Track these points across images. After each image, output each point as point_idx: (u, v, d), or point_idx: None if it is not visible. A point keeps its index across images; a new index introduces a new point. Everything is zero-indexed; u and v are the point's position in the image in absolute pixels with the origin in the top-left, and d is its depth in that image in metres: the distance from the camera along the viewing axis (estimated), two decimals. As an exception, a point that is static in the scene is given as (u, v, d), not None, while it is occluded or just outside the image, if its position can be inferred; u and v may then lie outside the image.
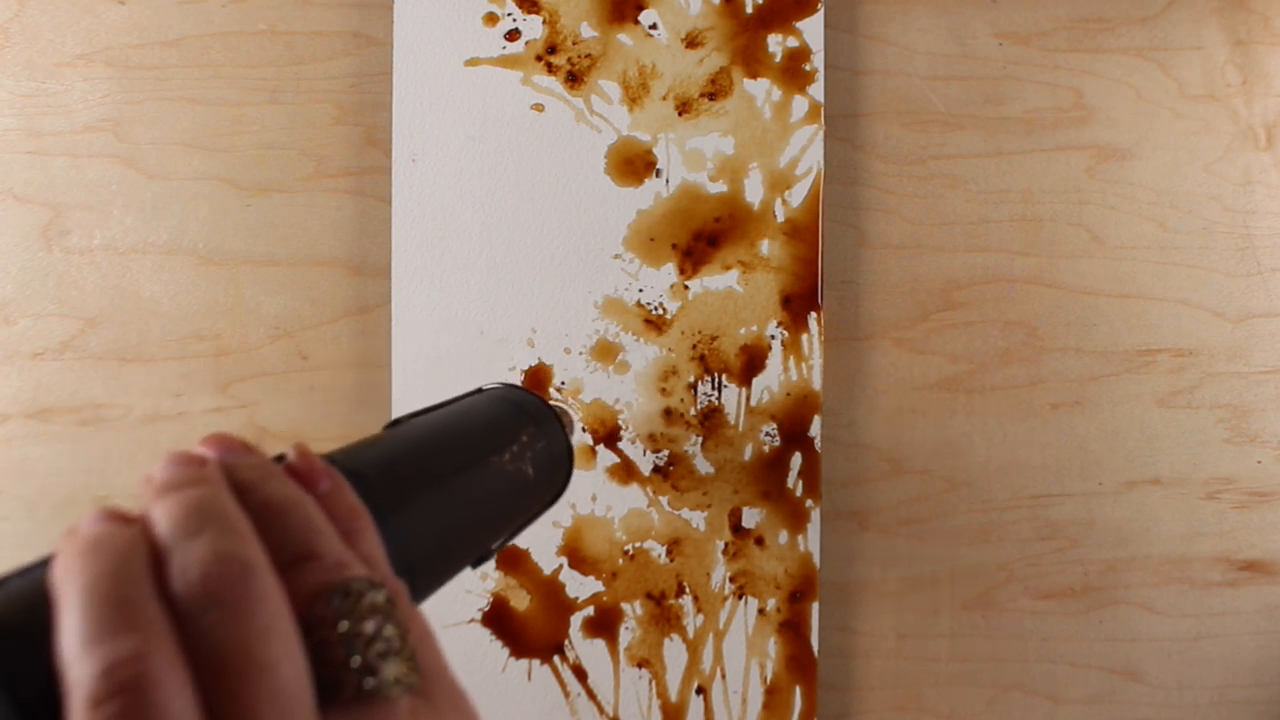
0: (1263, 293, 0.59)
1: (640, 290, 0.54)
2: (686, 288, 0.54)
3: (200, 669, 0.17)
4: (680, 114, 0.54)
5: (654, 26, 0.54)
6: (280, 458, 0.25)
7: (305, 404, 0.55)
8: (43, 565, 0.19)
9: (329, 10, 0.55)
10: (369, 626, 0.20)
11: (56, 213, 0.54)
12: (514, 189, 0.54)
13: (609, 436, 0.54)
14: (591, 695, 0.54)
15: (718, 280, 0.54)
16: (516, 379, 0.54)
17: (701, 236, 0.54)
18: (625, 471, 0.54)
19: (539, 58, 0.54)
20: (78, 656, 0.17)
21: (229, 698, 0.17)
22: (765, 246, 0.54)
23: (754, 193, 0.54)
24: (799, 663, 0.55)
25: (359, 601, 0.20)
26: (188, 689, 0.17)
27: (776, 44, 0.54)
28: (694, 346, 0.54)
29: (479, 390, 0.37)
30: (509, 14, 0.54)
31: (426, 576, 0.27)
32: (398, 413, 0.53)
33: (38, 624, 0.17)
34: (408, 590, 0.23)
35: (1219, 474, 0.59)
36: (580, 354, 0.54)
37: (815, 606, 0.55)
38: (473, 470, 0.30)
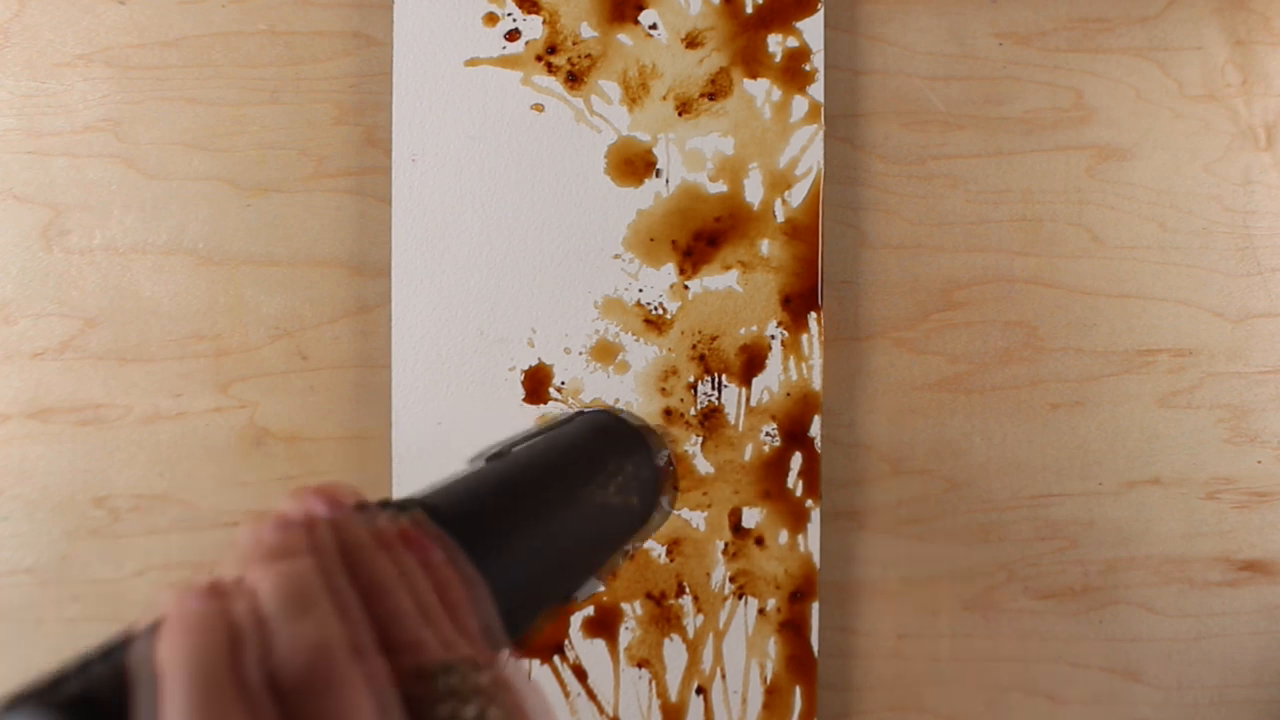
0: (1263, 293, 0.59)
1: (640, 290, 0.54)
2: (686, 288, 0.54)
3: None
4: (680, 114, 0.54)
5: (654, 26, 0.54)
6: (387, 506, 0.24)
7: (305, 404, 0.55)
8: (136, 640, 0.19)
9: (329, 10, 0.55)
10: (470, 711, 0.20)
11: (56, 213, 0.54)
12: (514, 189, 0.54)
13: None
14: (591, 695, 0.54)
15: (718, 280, 0.54)
16: (517, 379, 0.54)
17: (701, 236, 0.54)
18: (625, 471, 0.54)
19: (539, 58, 0.54)
20: None
21: None
22: (765, 246, 0.54)
23: (754, 193, 0.54)
24: (799, 663, 0.55)
25: (462, 683, 0.20)
26: None
27: (776, 44, 0.54)
28: (694, 346, 0.54)
29: (579, 413, 0.36)
30: (509, 14, 0.54)
31: (525, 616, 0.27)
32: (398, 413, 0.53)
33: (140, 701, 0.17)
34: (509, 639, 0.22)
35: (1219, 474, 0.59)
36: (580, 354, 0.54)
37: (815, 606, 0.55)
38: (573, 507, 0.30)
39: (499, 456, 0.31)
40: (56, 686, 0.17)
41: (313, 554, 0.20)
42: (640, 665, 0.55)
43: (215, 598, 0.19)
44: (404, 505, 0.25)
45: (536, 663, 0.54)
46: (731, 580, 0.55)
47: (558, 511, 0.29)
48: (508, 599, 0.24)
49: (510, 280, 0.54)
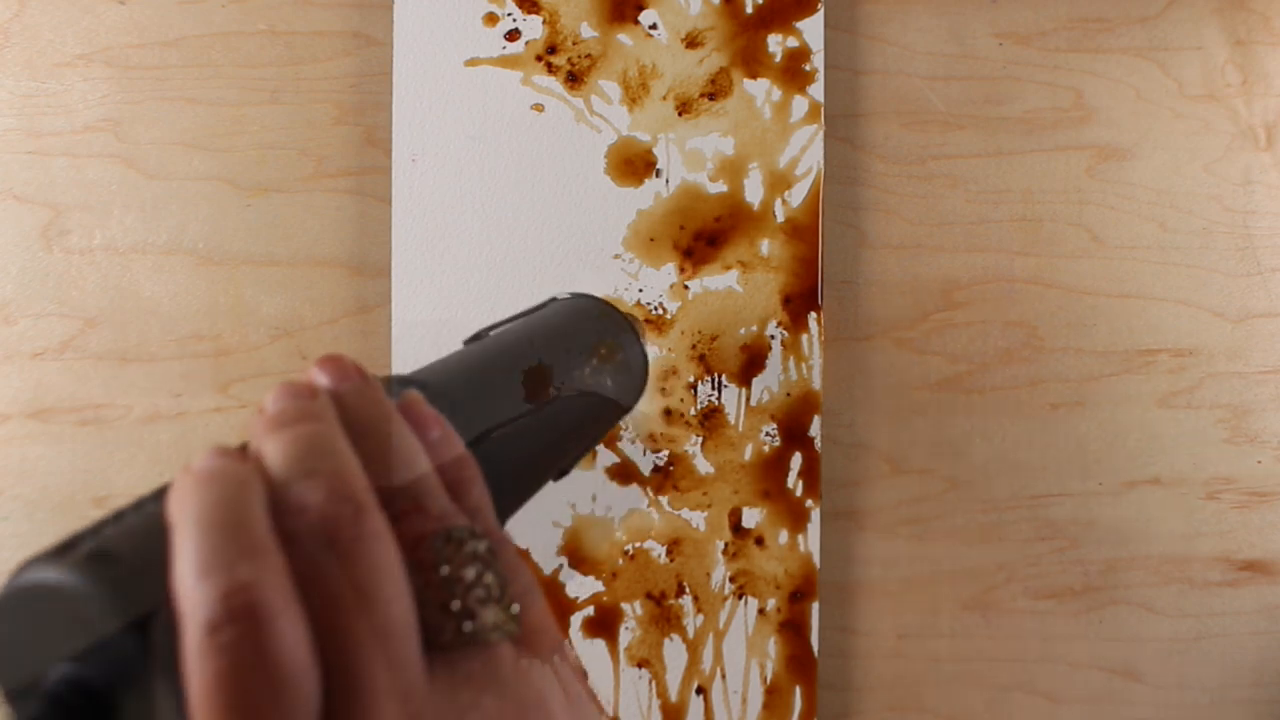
0: (1263, 293, 0.59)
1: (640, 290, 0.54)
2: (686, 288, 0.54)
3: (311, 604, 0.18)
4: (680, 114, 0.54)
5: (654, 26, 0.54)
6: (387, 382, 0.25)
7: (305, 404, 0.55)
8: (156, 499, 0.19)
9: (329, 10, 0.55)
10: (469, 573, 0.20)
11: (56, 213, 0.54)
12: (514, 189, 0.54)
13: (609, 436, 0.54)
14: (591, 695, 0.54)
15: (718, 280, 0.54)
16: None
17: (701, 236, 0.54)
18: (625, 471, 0.54)
19: (539, 58, 0.54)
20: (194, 583, 0.17)
21: (338, 633, 0.18)
22: (765, 246, 0.54)
23: (754, 193, 0.54)
24: (799, 663, 0.55)
25: (460, 548, 0.20)
26: (301, 621, 0.17)
27: (776, 44, 0.54)
28: (694, 346, 0.54)
29: (552, 300, 0.36)
30: (509, 14, 0.54)
31: (514, 496, 0.27)
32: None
33: (154, 553, 0.18)
34: (498, 518, 0.23)
35: (1219, 474, 0.59)
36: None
37: (815, 606, 0.55)
38: (554, 386, 0.30)
39: (477, 339, 0.31)
40: (72, 545, 0.18)
41: (317, 420, 0.20)
42: (640, 665, 0.55)
43: (224, 457, 0.19)
44: (401, 381, 0.26)
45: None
46: (731, 580, 0.55)
47: (507, 373, 0.29)
48: (494, 478, 0.25)
49: (510, 280, 0.54)
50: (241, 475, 0.19)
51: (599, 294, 0.37)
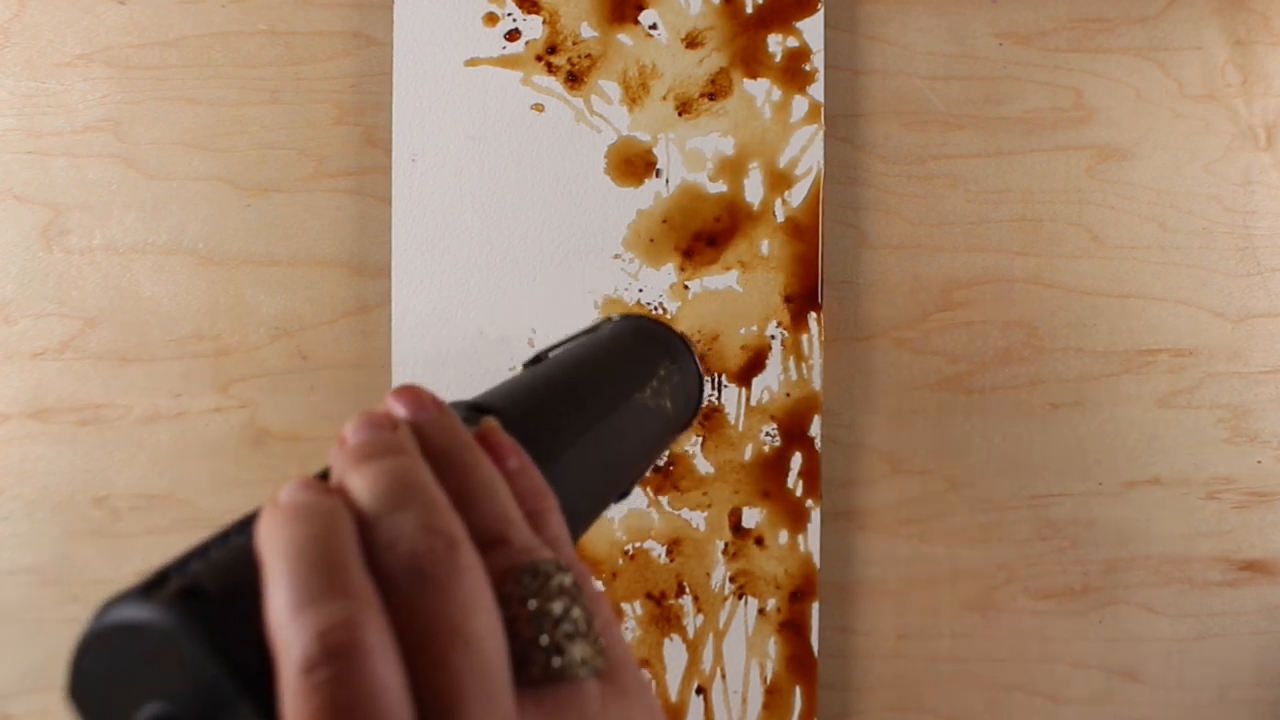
0: (1263, 293, 0.59)
1: (640, 290, 0.54)
2: (686, 288, 0.54)
3: (405, 640, 0.17)
4: (680, 114, 0.54)
5: (654, 26, 0.54)
6: (461, 409, 0.24)
7: (305, 404, 0.55)
8: (242, 531, 0.19)
9: (329, 10, 0.55)
10: (556, 607, 0.20)
11: (56, 213, 0.54)
12: (514, 189, 0.54)
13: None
14: None
15: (718, 280, 0.54)
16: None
17: (701, 236, 0.54)
18: (625, 471, 0.54)
19: (539, 58, 0.54)
20: (288, 621, 0.16)
21: (433, 669, 0.17)
22: (765, 246, 0.54)
23: (754, 193, 0.54)
24: (799, 663, 0.55)
25: (547, 582, 0.20)
26: (397, 658, 0.17)
27: (776, 44, 0.54)
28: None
29: (607, 320, 0.36)
30: (509, 14, 0.54)
31: (581, 520, 0.27)
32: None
33: (244, 589, 0.17)
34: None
35: (1219, 474, 0.59)
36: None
37: (815, 606, 0.55)
38: (620, 410, 0.30)
39: (538, 362, 0.30)
40: (160, 580, 0.17)
41: (401, 453, 0.20)
42: (640, 665, 0.55)
43: (312, 490, 0.19)
44: (472, 408, 0.26)
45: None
46: (731, 580, 0.55)
47: (608, 416, 0.29)
48: (563, 503, 0.24)
49: (510, 280, 0.54)
50: (332, 509, 0.18)
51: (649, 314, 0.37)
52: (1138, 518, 0.58)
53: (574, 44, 0.54)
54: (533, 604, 0.20)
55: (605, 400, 0.30)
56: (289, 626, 0.16)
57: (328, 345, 0.55)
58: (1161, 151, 0.58)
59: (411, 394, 0.22)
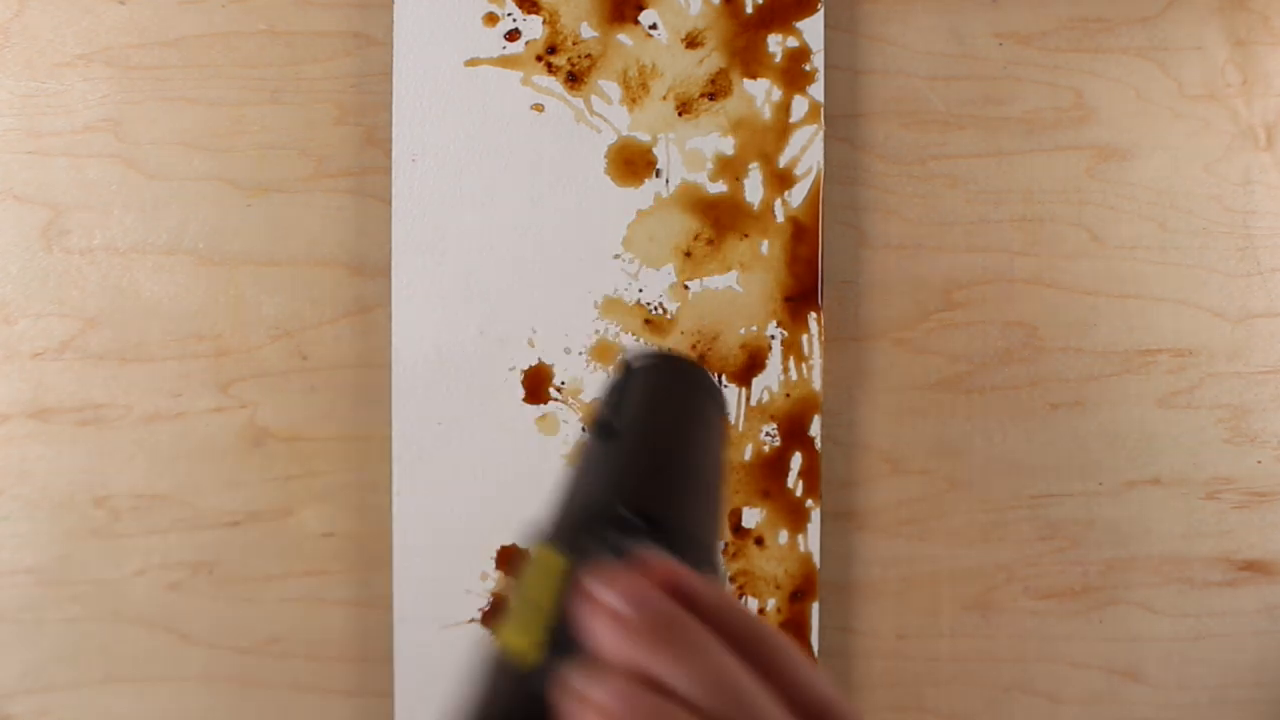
0: (1263, 293, 0.59)
1: (640, 290, 0.54)
2: (686, 288, 0.54)
3: None
4: (680, 114, 0.54)
5: (654, 26, 0.54)
6: (625, 523, 0.23)
7: (305, 404, 0.55)
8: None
9: (329, 10, 0.55)
10: None
11: (56, 213, 0.54)
12: (514, 189, 0.54)
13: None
14: None
15: (718, 280, 0.54)
16: (516, 379, 0.54)
17: (701, 236, 0.54)
18: (625, 471, 0.54)
19: (539, 58, 0.54)
20: None
21: None
22: (765, 246, 0.54)
23: (754, 193, 0.54)
24: (799, 663, 0.55)
25: None
26: None
27: (776, 44, 0.54)
28: (694, 346, 0.54)
29: (640, 366, 0.34)
30: (509, 14, 0.54)
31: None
32: (398, 413, 0.53)
33: None
34: None
35: (1219, 474, 0.59)
36: (580, 354, 0.54)
37: (815, 606, 0.55)
38: (714, 474, 0.30)
39: (611, 433, 0.29)
40: None
41: (696, 632, 0.19)
42: (640, 665, 0.55)
43: (639, 692, 0.17)
44: (630, 526, 0.23)
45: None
46: (731, 580, 0.55)
47: (712, 485, 0.29)
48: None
49: (510, 280, 0.54)
50: (669, 714, 0.17)
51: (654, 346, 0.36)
52: (1138, 518, 0.58)
53: (574, 44, 0.54)
54: None
55: (707, 471, 0.29)
56: None
57: (328, 345, 0.55)
58: (1161, 151, 0.58)
59: (651, 565, 0.20)
